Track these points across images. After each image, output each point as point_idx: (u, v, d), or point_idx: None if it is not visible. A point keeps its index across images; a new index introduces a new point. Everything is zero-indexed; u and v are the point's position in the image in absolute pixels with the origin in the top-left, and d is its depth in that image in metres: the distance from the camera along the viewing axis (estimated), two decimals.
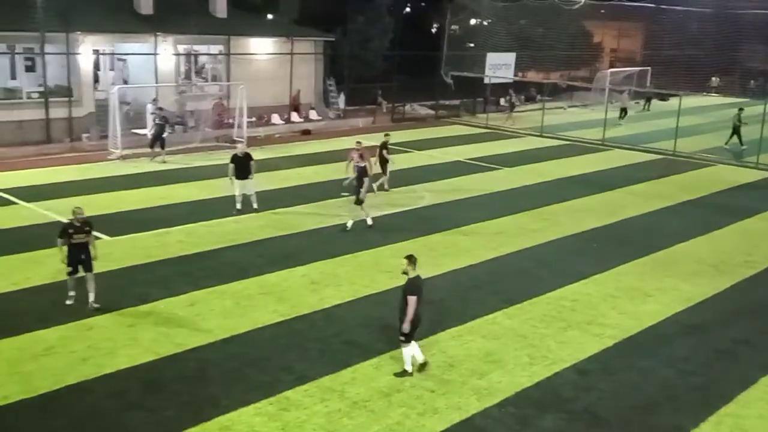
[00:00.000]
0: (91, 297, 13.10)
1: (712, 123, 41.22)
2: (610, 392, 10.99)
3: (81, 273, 13.17)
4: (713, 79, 55.10)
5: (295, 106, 35.46)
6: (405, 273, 10.92)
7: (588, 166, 28.49)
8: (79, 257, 12.99)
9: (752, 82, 55.48)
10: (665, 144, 33.26)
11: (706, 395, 11.02)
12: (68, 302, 13.18)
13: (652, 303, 14.55)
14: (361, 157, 19.54)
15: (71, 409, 9.96)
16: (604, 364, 11.85)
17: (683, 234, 19.31)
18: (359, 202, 18.36)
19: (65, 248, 12.96)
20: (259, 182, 20.44)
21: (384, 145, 23.11)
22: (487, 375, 11.31)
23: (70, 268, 13.05)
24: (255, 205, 19.66)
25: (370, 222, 18.81)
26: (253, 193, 19.66)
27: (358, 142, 20.75)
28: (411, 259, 10.93)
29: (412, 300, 10.69)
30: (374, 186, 22.13)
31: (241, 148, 19.81)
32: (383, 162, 22.99)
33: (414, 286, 10.81)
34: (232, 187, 19.54)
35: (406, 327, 10.77)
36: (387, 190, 22.88)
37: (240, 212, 19.42)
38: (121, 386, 10.60)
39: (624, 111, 41.10)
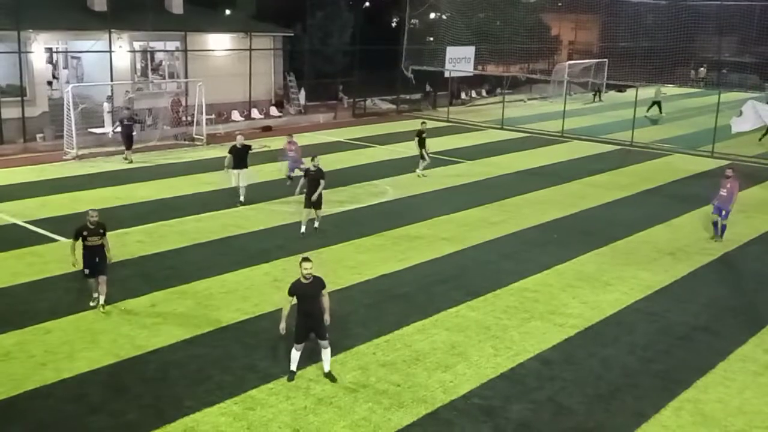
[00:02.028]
0: (101, 299, 12.98)
1: (667, 113, 41.94)
2: (574, 381, 11.11)
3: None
4: (701, 69, 56.03)
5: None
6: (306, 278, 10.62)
7: (548, 158, 28.77)
8: (94, 260, 12.79)
9: (701, 70, 56.42)
10: (623, 135, 33.76)
11: (666, 381, 11.20)
12: (92, 303, 13.08)
13: (612, 292, 14.75)
14: (295, 150, 20.72)
15: (31, 415, 9.74)
16: (566, 353, 11.99)
17: (642, 223, 19.62)
18: (311, 205, 17.59)
19: (78, 250, 12.73)
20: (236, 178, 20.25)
21: (420, 133, 24.34)
22: (452, 368, 11.35)
23: (86, 271, 12.83)
24: (242, 198, 20.04)
25: (317, 225, 18.12)
26: (244, 186, 20.07)
27: (290, 135, 22.59)
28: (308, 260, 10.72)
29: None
30: (417, 171, 24.22)
31: (240, 140, 20.19)
32: (422, 148, 24.28)
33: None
34: (229, 179, 20.16)
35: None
36: (422, 176, 24.18)
37: (243, 204, 19.98)
38: (82, 390, 10.40)
39: (656, 104, 40.96)
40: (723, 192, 18.00)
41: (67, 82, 29.04)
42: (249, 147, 20.35)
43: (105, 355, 11.38)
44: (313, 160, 18.03)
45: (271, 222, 18.78)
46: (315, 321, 10.72)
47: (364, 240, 17.42)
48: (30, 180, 22.61)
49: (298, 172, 20.46)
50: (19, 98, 27.50)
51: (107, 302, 13.05)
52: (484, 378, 11.05)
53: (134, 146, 25.89)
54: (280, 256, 16.11)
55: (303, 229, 17.75)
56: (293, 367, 10.89)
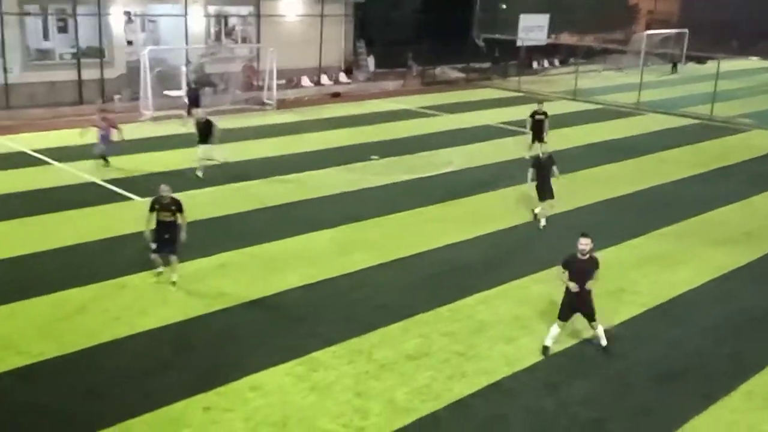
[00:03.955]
0: (174, 277, 12.64)
1: (750, 87, 40.22)
2: (640, 360, 10.90)
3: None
4: None
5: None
6: None
7: (621, 131, 28.02)
8: (163, 236, 12.36)
9: None
10: (701, 109, 32.56)
11: (737, 364, 10.88)
12: (154, 278, 12.79)
13: (683, 270, 14.35)
14: (109, 126, 19.42)
15: (105, 367, 10.15)
16: (634, 331, 11.75)
17: (716, 201, 18.96)
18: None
19: (152, 222, 12.46)
20: (251, 150, 20.32)
21: (535, 113, 21.73)
22: (515, 340, 11.28)
23: (153, 245, 12.47)
24: (200, 174, 19.14)
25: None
26: (204, 160, 19.22)
27: (102, 109, 20.51)
28: None
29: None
30: (526, 155, 21.08)
31: (201, 115, 19.61)
32: (538, 131, 21.53)
33: None
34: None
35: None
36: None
37: (200, 178, 19.00)
38: (153, 345, 10.77)
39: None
40: None
41: (144, 46, 29.65)
42: (210, 123, 19.13)
43: (175, 313, 11.72)
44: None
45: (334, 188, 18.89)
46: (582, 299, 10.57)
47: (428, 209, 17.36)
48: None
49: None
50: (98, 60, 28.27)
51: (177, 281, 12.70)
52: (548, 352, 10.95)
53: (205, 109, 26.17)
54: (345, 223, 16.21)
55: (543, 223, 16.37)
56: (549, 342, 10.85)
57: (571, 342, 11.29)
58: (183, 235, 12.47)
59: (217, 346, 10.78)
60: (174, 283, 12.66)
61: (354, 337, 11.10)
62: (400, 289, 12.99)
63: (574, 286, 10.46)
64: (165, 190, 12.49)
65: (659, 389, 10.14)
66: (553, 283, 13.35)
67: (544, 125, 21.68)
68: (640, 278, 13.90)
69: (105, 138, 19.62)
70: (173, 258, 12.57)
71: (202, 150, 19.19)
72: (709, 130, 29.15)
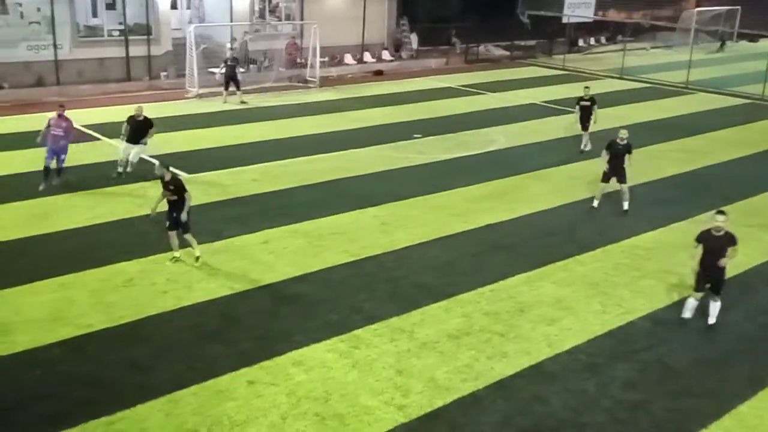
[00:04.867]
0: (196, 252, 12.75)
1: None
2: (685, 343, 10.77)
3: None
4: None
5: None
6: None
7: (669, 111, 27.45)
8: (171, 214, 12.58)
9: None
10: (753, 88, 31.67)
11: None
12: (169, 262, 12.74)
13: None
14: (65, 128, 16.09)
15: (152, 339, 10.40)
16: (679, 314, 11.59)
17: (766, 183, 18.51)
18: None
19: (158, 197, 12.75)
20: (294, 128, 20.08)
21: (580, 100, 20.54)
22: (557, 321, 11.24)
23: (167, 223, 12.67)
24: (127, 169, 17.10)
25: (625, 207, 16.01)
26: (134, 161, 17.15)
27: (61, 106, 16.52)
28: None
29: None
30: (582, 147, 20.47)
31: (138, 111, 17.11)
32: (585, 118, 20.47)
33: None
34: (119, 149, 17.46)
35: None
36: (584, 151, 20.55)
37: (119, 176, 17.03)
38: (199, 318, 10.99)
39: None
40: None
41: (190, 22, 29.92)
42: (149, 123, 17.07)
43: (221, 287, 11.94)
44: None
45: (379, 166, 18.92)
46: (715, 273, 10.91)
47: (471, 188, 17.29)
48: (154, 116, 23.55)
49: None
50: (145, 37, 28.62)
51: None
52: (590, 335, 10.87)
53: (247, 87, 26.36)
54: (388, 201, 16.25)
55: (595, 203, 16.23)
56: (687, 315, 11.24)
57: (615, 323, 11.21)
58: (183, 215, 12.40)
59: (261, 322, 10.96)
60: (198, 258, 12.77)
61: (396, 315, 11.18)
62: (443, 268, 13.01)
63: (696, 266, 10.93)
64: (160, 170, 12.57)
65: (703, 374, 10.02)
66: (593, 266, 13.26)
67: (592, 111, 20.52)
68: (686, 260, 13.57)
69: (57, 138, 16.13)
70: (187, 236, 12.71)
71: (133, 153, 16.99)
72: (760, 110, 28.37)
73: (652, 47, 45.73)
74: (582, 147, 20.67)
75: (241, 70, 27.42)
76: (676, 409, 9.22)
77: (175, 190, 12.50)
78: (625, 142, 15.98)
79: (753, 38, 47.11)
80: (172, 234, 12.74)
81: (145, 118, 17.13)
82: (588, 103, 20.57)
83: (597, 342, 10.71)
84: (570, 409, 9.13)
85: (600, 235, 14.74)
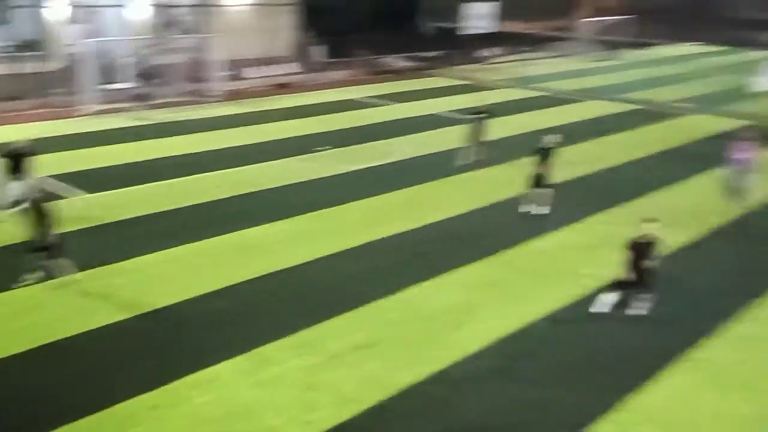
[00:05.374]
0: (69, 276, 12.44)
1: (692, 72, 41.16)
2: (584, 341, 11.13)
3: None
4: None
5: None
6: None
7: (565, 118, 28.39)
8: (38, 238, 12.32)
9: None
10: (643, 94, 33.18)
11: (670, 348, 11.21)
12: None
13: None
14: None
15: (50, 368, 9.95)
16: (578, 313, 11.96)
17: (660, 183, 19.40)
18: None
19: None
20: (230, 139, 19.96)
21: (475, 112, 20.79)
22: (463, 326, 11.38)
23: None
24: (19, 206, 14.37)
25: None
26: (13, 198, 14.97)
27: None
28: None
29: None
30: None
31: (22, 142, 15.66)
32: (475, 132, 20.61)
33: None
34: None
35: None
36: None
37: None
38: (97, 344, 10.60)
39: None
40: (738, 155, 17.69)
41: (85, 38, 28.93)
42: (26, 152, 15.40)
43: (119, 311, 11.54)
44: None
45: (287, 179, 18.77)
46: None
47: (379, 198, 17.39)
48: (47, 135, 22.58)
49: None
50: (37, 53, 27.50)
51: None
52: (495, 337, 11.06)
53: (149, 102, 25.77)
54: (296, 214, 16.14)
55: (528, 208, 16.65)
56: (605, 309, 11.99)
57: (519, 325, 11.46)
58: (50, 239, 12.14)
59: (162, 344, 10.66)
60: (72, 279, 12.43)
61: (303, 329, 11.08)
62: (351, 279, 13.00)
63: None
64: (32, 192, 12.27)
65: (601, 368, 10.38)
66: (498, 269, 13.56)
67: (482, 125, 20.73)
68: (589, 261, 14.12)
69: None
70: (58, 260, 12.41)
71: (15, 187, 15.07)
72: (650, 114, 29.77)
73: (550, 57, 47.32)
74: (473, 156, 20.86)
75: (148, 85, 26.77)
76: (580, 403, 9.50)
77: (42, 214, 12.13)
78: (551, 146, 16.77)
79: (644, 46, 49.43)
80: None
81: (25, 146, 15.63)
82: (482, 116, 20.88)
83: (502, 344, 10.93)
84: (478, 413, 9.27)
85: (506, 239, 15.08)
